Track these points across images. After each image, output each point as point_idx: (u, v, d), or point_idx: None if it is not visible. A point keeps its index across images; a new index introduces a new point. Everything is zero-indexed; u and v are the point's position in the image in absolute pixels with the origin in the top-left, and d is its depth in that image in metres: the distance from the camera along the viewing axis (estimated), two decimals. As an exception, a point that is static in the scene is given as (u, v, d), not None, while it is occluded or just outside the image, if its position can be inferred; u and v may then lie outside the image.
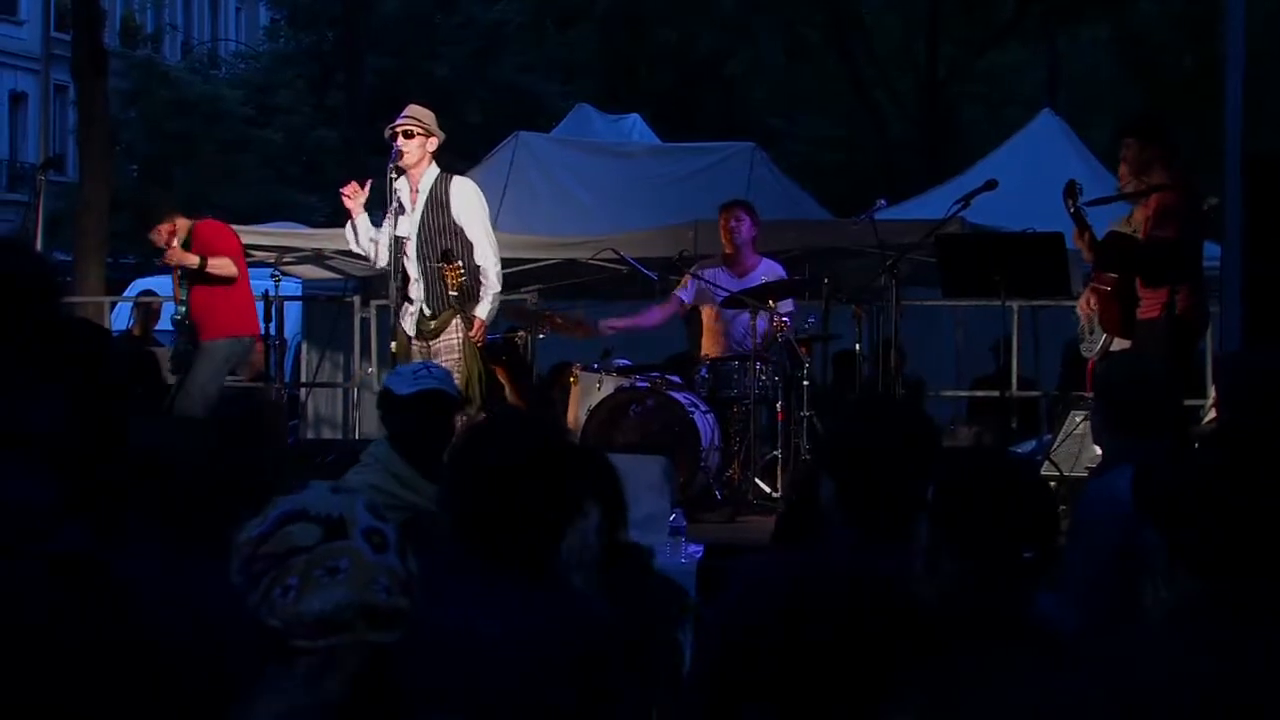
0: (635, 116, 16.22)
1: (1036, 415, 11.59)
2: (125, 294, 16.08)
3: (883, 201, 9.65)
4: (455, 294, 7.66)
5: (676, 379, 8.93)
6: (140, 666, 2.33)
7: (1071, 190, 7.46)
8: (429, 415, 5.11)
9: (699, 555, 6.33)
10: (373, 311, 11.90)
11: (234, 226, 11.08)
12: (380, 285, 9.16)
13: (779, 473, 8.65)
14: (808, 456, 8.45)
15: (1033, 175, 11.69)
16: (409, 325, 7.87)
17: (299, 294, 13.80)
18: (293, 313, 13.25)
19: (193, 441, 3.25)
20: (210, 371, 9.13)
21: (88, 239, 14.81)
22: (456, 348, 7.72)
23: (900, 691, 2.39)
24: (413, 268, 7.84)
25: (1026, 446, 8.73)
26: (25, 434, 3.15)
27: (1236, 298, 6.19)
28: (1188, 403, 5.90)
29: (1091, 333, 7.85)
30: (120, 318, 15.03)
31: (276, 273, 12.64)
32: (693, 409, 8.52)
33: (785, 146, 25.23)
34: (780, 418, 8.80)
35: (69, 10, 21.02)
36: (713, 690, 3.14)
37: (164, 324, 12.12)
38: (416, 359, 7.46)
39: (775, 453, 8.79)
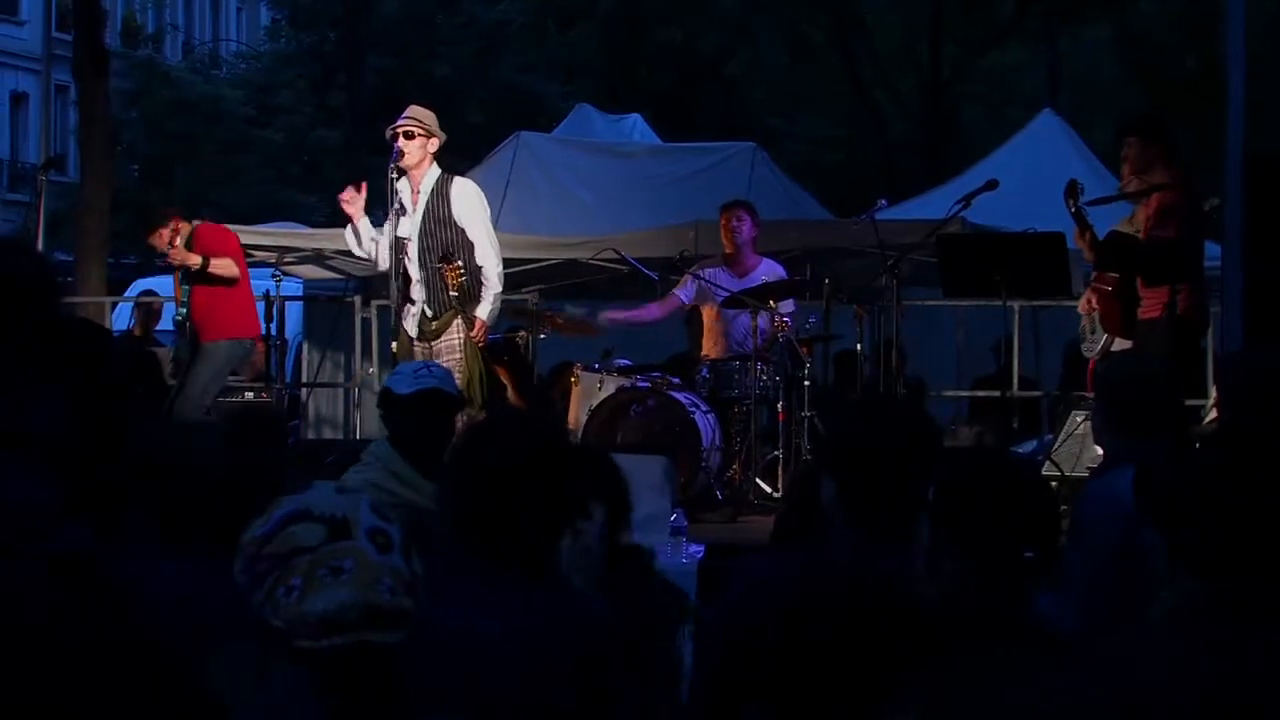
0: (636, 116, 16.23)
1: (1037, 415, 11.59)
2: (126, 294, 16.09)
3: (883, 201, 9.65)
4: (455, 294, 7.66)
5: (677, 379, 8.93)
6: (140, 666, 2.33)
7: (1072, 190, 7.46)
8: (429, 414, 5.11)
9: (700, 555, 6.32)
10: (373, 311, 11.91)
11: (234, 226, 11.10)
12: (381, 285, 9.17)
13: (780, 473, 8.65)
14: (809, 457, 8.45)
15: (1034, 175, 11.69)
16: (411, 326, 7.87)
17: (300, 294, 13.81)
18: (293, 313, 13.25)
19: (210, 448, 3.26)
20: (211, 372, 9.13)
21: (89, 239, 14.82)
22: (458, 348, 7.72)
23: (901, 691, 2.39)
24: (414, 269, 7.84)
25: (1027, 446, 8.74)
26: (25, 434, 3.15)
27: (1237, 298, 6.19)
28: (1189, 403, 5.90)
29: (1093, 333, 7.86)
30: (121, 318, 15.03)
31: (277, 273, 12.66)
32: (694, 409, 8.52)
33: (785, 146, 25.23)
34: (781, 418, 8.80)
35: (70, 10, 21.05)
36: (713, 690, 3.13)
37: (165, 324, 12.14)
38: (418, 360, 7.46)
39: (776, 453, 8.79)
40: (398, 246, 7.83)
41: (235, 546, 2.40)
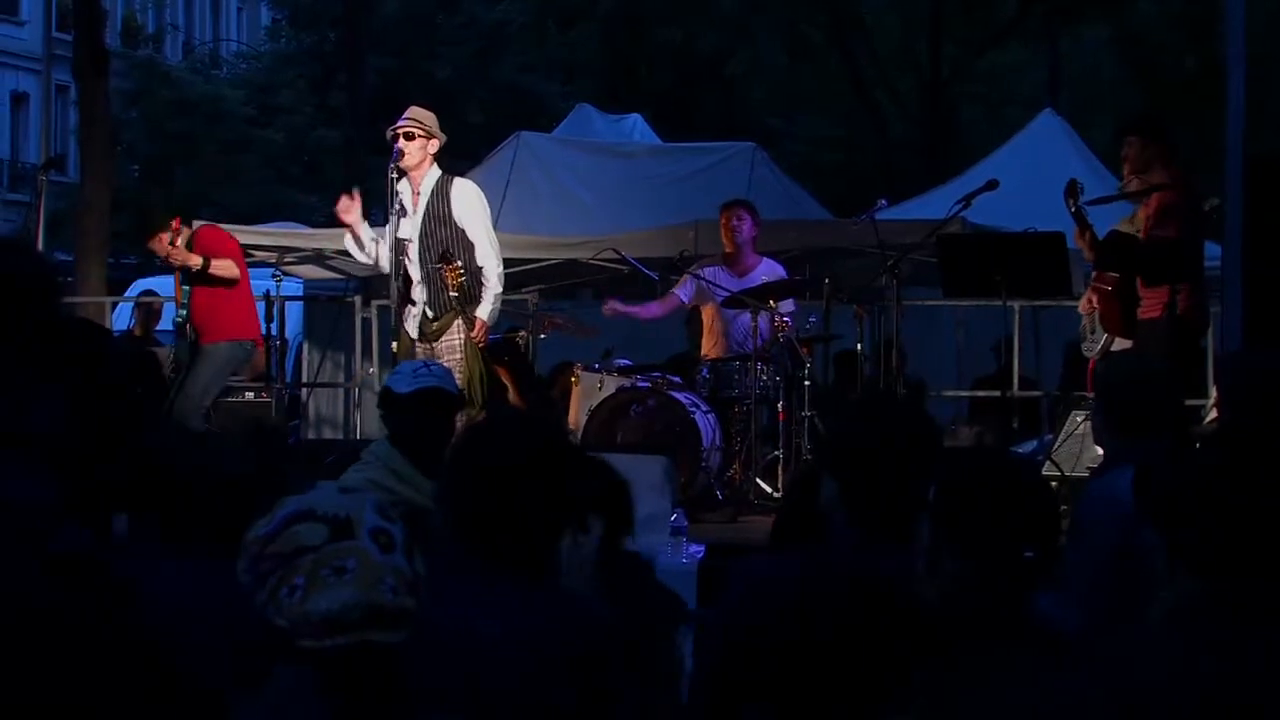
0: (636, 116, 16.24)
1: (1038, 415, 11.60)
2: (126, 294, 16.10)
3: (883, 201, 9.65)
4: (455, 294, 7.67)
5: (677, 379, 8.94)
6: (140, 666, 2.33)
7: (1072, 190, 7.46)
8: (429, 413, 5.11)
9: (700, 555, 6.32)
10: (374, 311, 11.91)
11: (235, 226, 11.09)
12: (381, 285, 9.18)
13: (780, 473, 8.65)
14: (809, 456, 8.45)
15: (1034, 175, 11.69)
16: (412, 328, 7.87)
17: (300, 294, 13.81)
18: (294, 313, 13.26)
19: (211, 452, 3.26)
20: (211, 374, 9.12)
21: (89, 239, 14.82)
22: (458, 348, 7.73)
23: (901, 691, 2.39)
24: (415, 270, 7.84)
25: (1028, 446, 8.74)
26: (25, 434, 3.15)
27: (1237, 298, 6.19)
28: (1189, 403, 5.90)
29: (1093, 332, 7.86)
30: (121, 318, 15.04)
31: (277, 273, 12.67)
32: (694, 409, 8.52)
33: (785, 146, 25.23)
34: (781, 418, 8.80)
35: (70, 10, 21.04)
36: (714, 690, 3.13)
37: (165, 324, 12.14)
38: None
39: (776, 453, 8.79)
40: (398, 248, 7.83)
41: (235, 547, 2.41)
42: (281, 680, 2.32)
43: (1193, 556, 2.68)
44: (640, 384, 8.77)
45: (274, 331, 11.17)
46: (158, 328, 13.07)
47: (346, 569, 2.30)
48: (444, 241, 7.76)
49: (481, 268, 7.81)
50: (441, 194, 7.84)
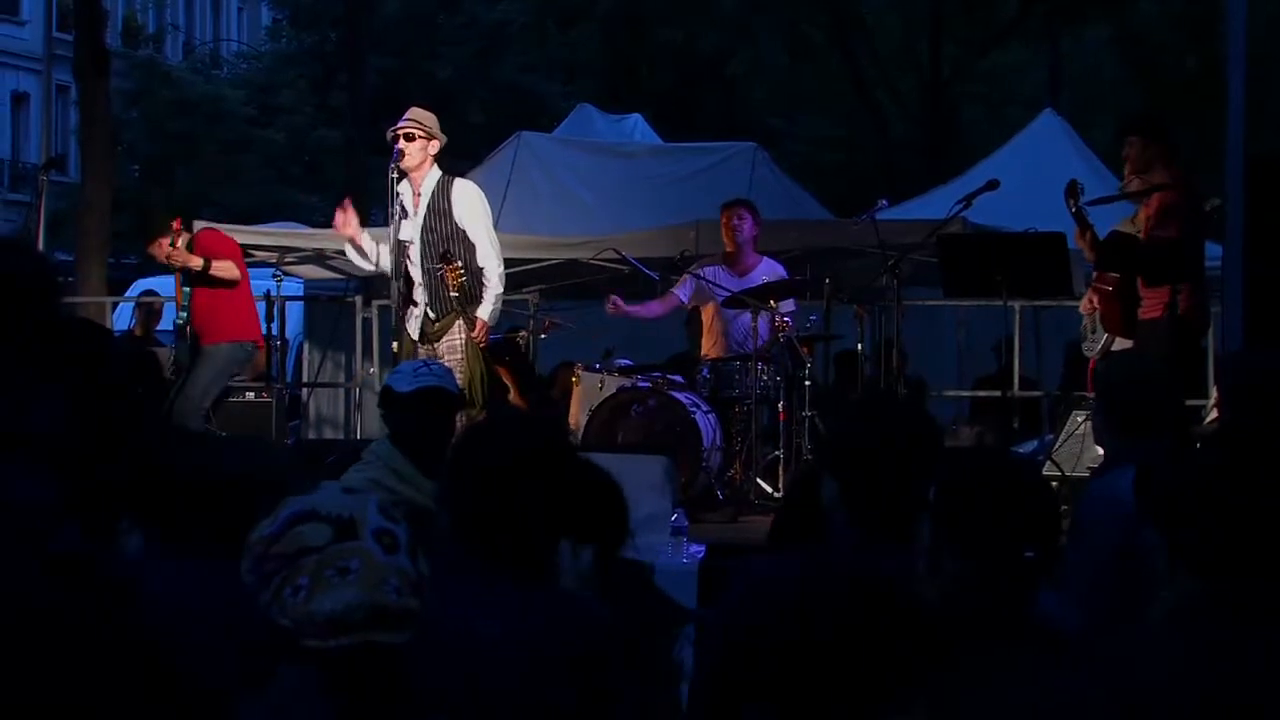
0: (637, 116, 16.24)
1: (1038, 415, 11.60)
2: (127, 294, 16.10)
3: (884, 201, 9.66)
4: (455, 294, 7.67)
5: (678, 379, 8.94)
6: (139, 666, 2.33)
7: (1073, 190, 7.47)
8: (429, 412, 5.11)
9: (701, 555, 6.32)
10: (374, 311, 11.92)
11: (235, 226, 11.08)
12: (382, 285, 9.18)
13: (781, 473, 8.65)
14: (809, 456, 8.45)
15: (1034, 175, 11.69)
16: (414, 329, 7.88)
17: (300, 294, 13.80)
18: (294, 313, 13.26)
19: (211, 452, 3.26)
20: (211, 374, 9.11)
21: (90, 239, 14.82)
22: (459, 348, 7.73)
23: (902, 692, 2.39)
24: (416, 271, 7.85)
25: (1028, 446, 8.75)
26: (25, 434, 3.15)
27: (1238, 298, 6.19)
28: (1189, 403, 5.90)
29: (1094, 332, 7.86)
30: (122, 318, 15.05)
31: (278, 273, 12.66)
32: (694, 409, 8.52)
33: (786, 146, 25.22)
34: (782, 418, 8.80)
35: (71, 10, 21.05)
36: (714, 690, 3.13)
37: (165, 324, 12.14)
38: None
39: (777, 453, 8.79)
40: (399, 249, 7.83)
41: (236, 548, 2.40)
42: (285, 680, 2.32)
43: (1193, 556, 2.68)
44: (641, 384, 8.77)
45: (274, 331, 11.17)
46: (158, 328, 13.07)
47: (350, 569, 2.30)
48: (445, 242, 7.76)
49: (482, 268, 7.81)
50: (442, 195, 7.84)
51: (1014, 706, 2.62)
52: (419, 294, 7.84)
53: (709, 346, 9.47)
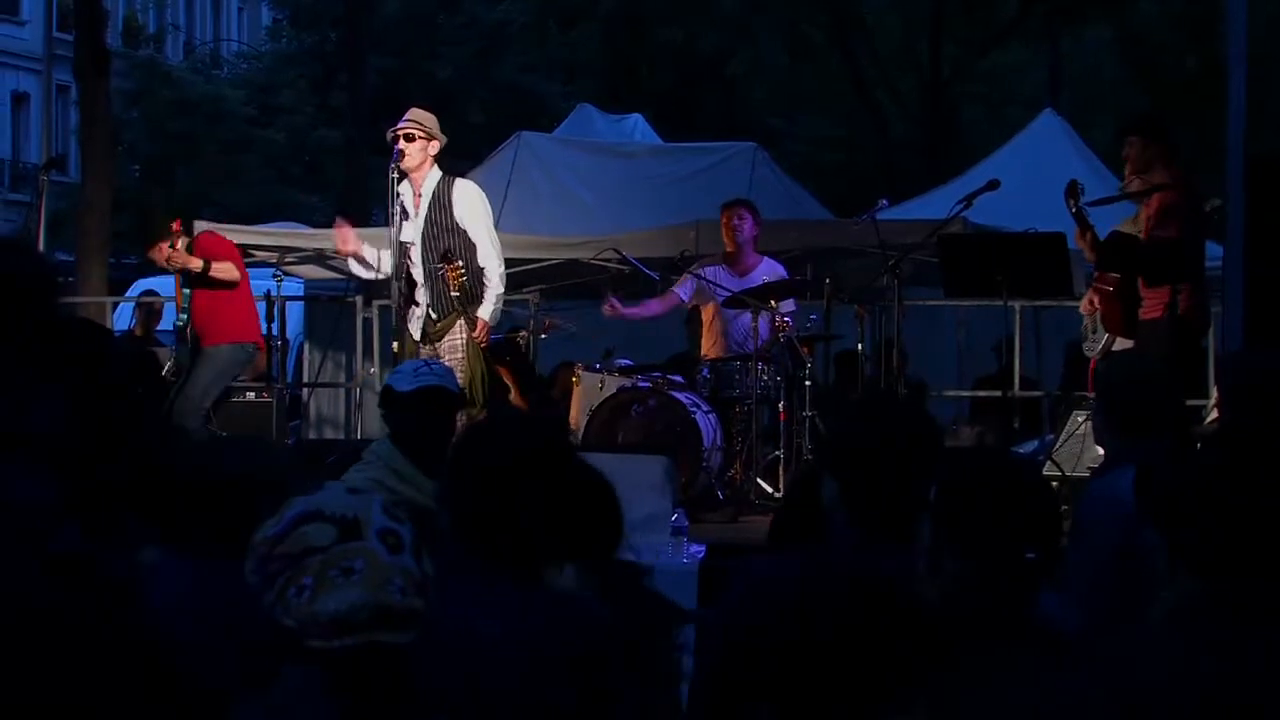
0: (637, 116, 16.23)
1: (1039, 415, 11.60)
2: (127, 294, 16.09)
3: (884, 201, 9.66)
4: (456, 294, 7.68)
5: (678, 379, 8.94)
6: (140, 666, 2.33)
7: (1073, 190, 7.47)
8: (430, 412, 5.10)
9: (701, 555, 6.32)
10: (375, 311, 11.91)
11: (236, 227, 11.06)
12: (383, 286, 9.18)
13: (781, 473, 8.64)
14: (810, 456, 8.45)
15: (1035, 175, 11.69)
16: (416, 329, 7.88)
17: (301, 294, 13.80)
18: (295, 313, 13.25)
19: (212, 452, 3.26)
20: (211, 375, 9.11)
21: (90, 239, 14.82)
22: (460, 348, 7.74)
23: (903, 692, 2.39)
24: (418, 272, 7.85)
25: (1029, 446, 8.75)
26: (25, 434, 3.15)
27: (1238, 298, 6.19)
28: (1190, 403, 5.90)
29: (1094, 332, 7.86)
30: (122, 318, 15.04)
31: (278, 273, 12.65)
32: (694, 409, 8.52)
33: (786, 146, 25.21)
34: (782, 418, 8.80)
35: (71, 10, 21.04)
36: (714, 690, 3.13)
37: (166, 324, 12.13)
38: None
39: (777, 453, 8.79)
40: (401, 250, 7.84)
41: (237, 547, 2.40)
42: (289, 680, 2.32)
43: (1193, 556, 2.68)
44: (641, 384, 8.77)
45: (275, 331, 11.16)
46: (158, 328, 13.07)
47: (354, 570, 2.30)
48: (446, 242, 7.76)
49: (483, 268, 7.82)
50: (443, 195, 7.84)
51: (1014, 707, 2.62)
52: (421, 294, 7.85)
53: (709, 346, 9.47)
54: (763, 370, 8.81)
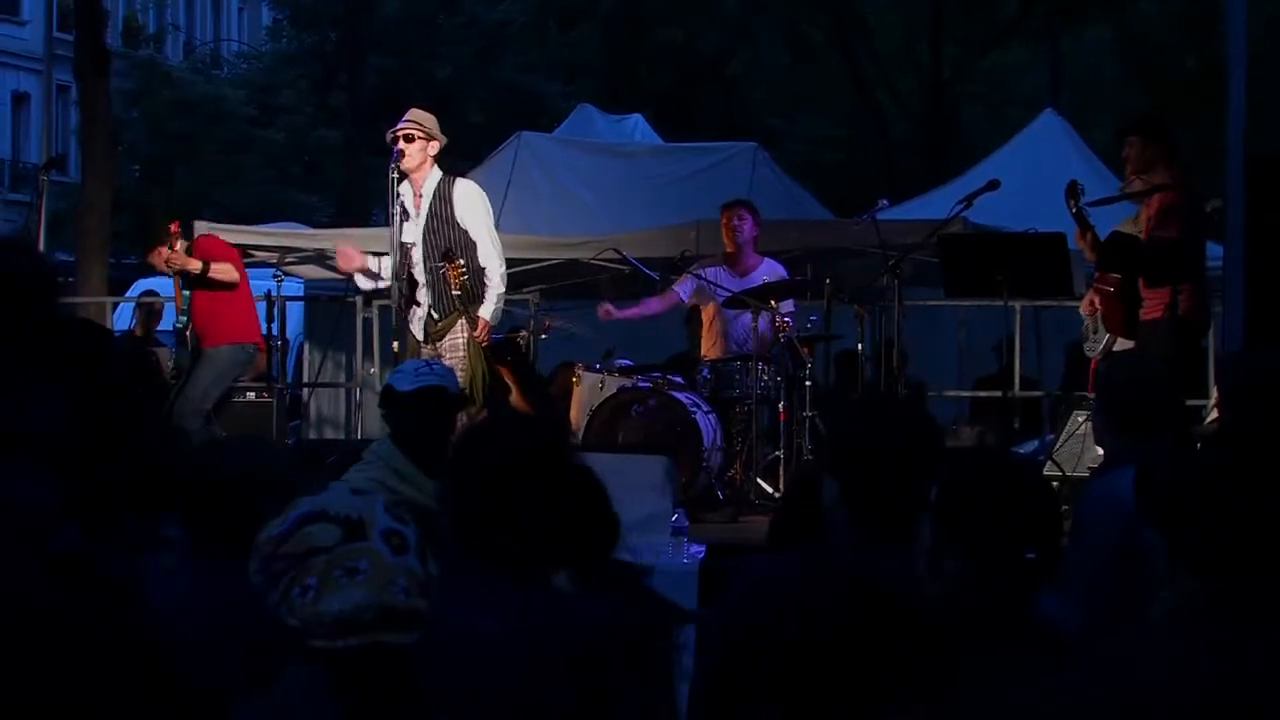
0: (637, 117, 16.23)
1: (1039, 415, 11.61)
2: (128, 294, 16.09)
3: (885, 202, 9.66)
4: (458, 293, 7.68)
5: (679, 379, 8.94)
6: (140, 666, 2.33)
7: (1073, 191, 7.47)
8: (430, 412, 5.11)
9: (701, 555, 6.32)
10: (375, 312, 11.92)
11: (236, 227, 11.06)
12: (387, 289, 9.19)
13: (781, 473, 8.64)
14: (810, 456, 8.45)
15: (1035, 175, 11.69)
16: (418, 329, 7.89)
17: (301, 294, 13.80)
18: (295, 313, 13.26)
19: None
20: (212, 376, 9.11)
21: (90, 239, 14.82)
22: (461, 347, 7.75)
23: (903, 692, 2.39)
24: (420, 273, 7.86)
25: (1029, 446, 8.75)
26: (25, 434, 3.15)
27: (1239, 298, 6.19)
28: (1190, 403, 5.90)
29: (1095, 333, 7.86)
30: (122, 318, 15.04)
31: (278, 273, 12.65)
32: (695, 409, 8.52)
33: (786, 147, 25.21)
34: (783, 418, 8.80)
35: (71, 10, 21.04)
36: (714, 690, 3.13)
37: (166, 324, 12.13)
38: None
39: (777, 453, 8.79)
40: (402, 251, 7.84)
41: (237, 547, 2.41)
42: (293, 680, 2.32)
43: (1193, 556, 2.68)
44: (641, 384, 8.77)
45: (275, 332, 11.17)
46: (159, 328, 13.07)
47: (359, 570, 2.30)
48: (447, 242, 7.77)
49: (485, 268, 7.83)
50: (444, 196, 7.85)
51: (1014, 707, 2.62)
52: (422, 294, 7.85)
53: (709, 347, 9.47)
54: (763, 370, 8.81)
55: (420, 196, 7.88)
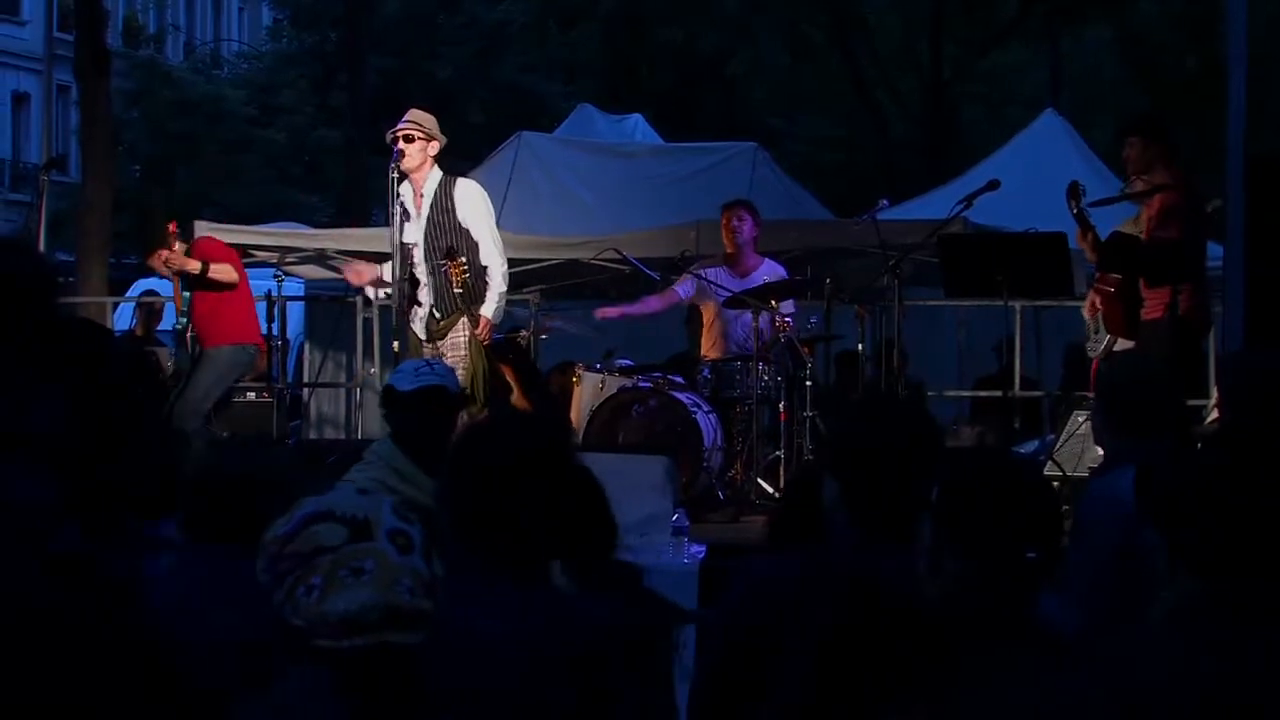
0: (637, 117, 16.23)
1: (1039, 415, 11.60)
2: (128, 294, 16.10)
3: (885, 202, 9.66)
4: (460, 291, 7.69)
5: (679, 379, 8.94)
6: (140, 666, 2.33)
7: (1074, 191, 7.47)
8: (431, 411, 5.11)
9: (701, 555, 6.32)
10: (375, 311, 11.91)
11: (236, 227, 11.06)
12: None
13: (781, 473, 8.64)
14: (810, 457, 8.45)
15: (1035, 175, 11.70)
16: (419, 329, 7.89)
17: (301, 294, 13.81)
18: (295, 313, 13.27)
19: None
20: (213, 377, 9.11)
21: (90, 239, 14.82)
22: (463, 345, 7.75)
23: (902, 692, 2.39)
24: (421, 272, 7.87)
25: (1029, 446, 8.75)
26: (25, 434, 3.14)
27: (1239, 298, 6.19)
28: (1190, 403, 5.90)
29: (1096, 333, 7.86)
30: (123, 318, 15.05)
31: (279, 273, 12.66)
32: (695, 409, 8.52)
33: (786, 147, 25.21)
34: (783, 418, 8.80)
35: (71, 11, 21.05)
36: (714, 690, 3.13)
37: (166, 324, 12.14)
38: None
39: (778, 453, 8.79)
40: (403, 251, 7.85)
41: (236, 547, 2.41)
42: (298, 680, 2.32)
43: (1193, 556, 2.68)
44: (642, 384, 8.77)
45: (275, 332, 11.17)
46: (159, 328, 13.07)
47: (364, 570, 2.30)
48: (449, 242, 7.78)
49: (486, 267, 7.83)
50: (445, 196, 7.85)
51: (1014, 707, 2.62)
52: (424, 294, 7.86)
53: (709, 347, 9.46)
54: (763, 370, 8.81)
55: (421, 196, 7.88)
